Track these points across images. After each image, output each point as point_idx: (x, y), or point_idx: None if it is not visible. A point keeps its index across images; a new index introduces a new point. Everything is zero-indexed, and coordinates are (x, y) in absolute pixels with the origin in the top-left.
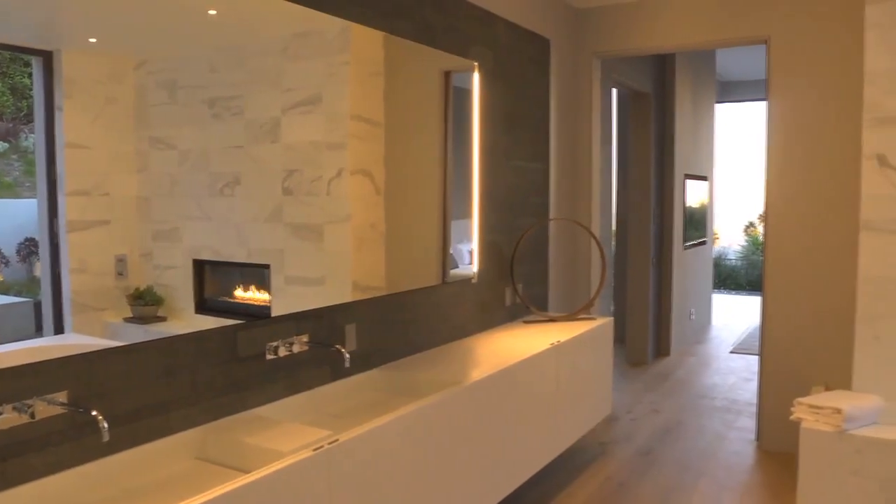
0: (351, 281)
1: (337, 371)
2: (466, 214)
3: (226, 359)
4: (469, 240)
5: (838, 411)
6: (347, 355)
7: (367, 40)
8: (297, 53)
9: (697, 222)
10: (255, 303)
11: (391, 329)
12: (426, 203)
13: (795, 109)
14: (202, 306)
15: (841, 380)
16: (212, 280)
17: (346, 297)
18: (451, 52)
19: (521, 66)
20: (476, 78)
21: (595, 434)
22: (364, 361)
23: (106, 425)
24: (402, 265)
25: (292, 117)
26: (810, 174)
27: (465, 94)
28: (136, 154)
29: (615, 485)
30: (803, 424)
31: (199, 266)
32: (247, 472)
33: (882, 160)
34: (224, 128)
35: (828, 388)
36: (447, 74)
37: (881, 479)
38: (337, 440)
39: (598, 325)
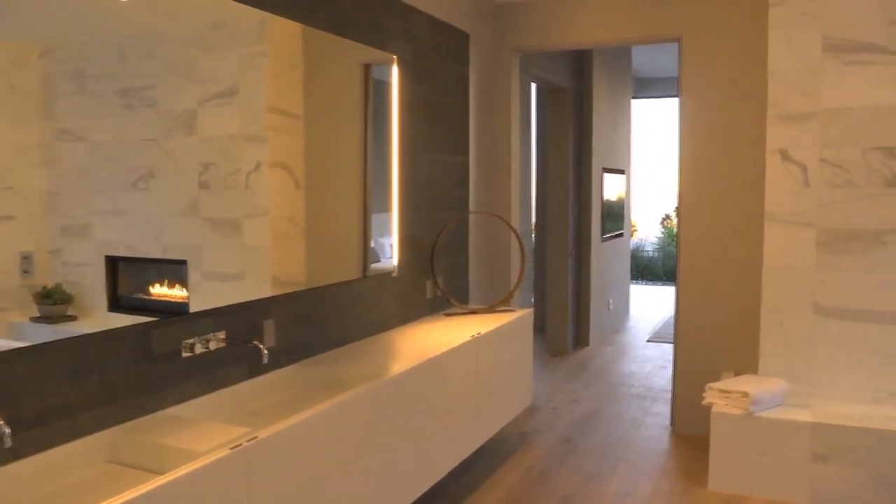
0: (271, 276)
1: (255, 367)
2: (388, 208)
3: (139, 358)
4: (391, 233)
5: (746, 395)
6: (266, 351)
7: (284, 32)
8: (213, 44)
9: (615, 215)
10: (172, 300)
11: (311, 324)
12: (347, 196)
13: (706, 106)
14: (116, 304)
15: (749, 365)
16: (126, 277)
17: (266, 292)
18: (369, 45)
19: (440, 60)
20: (395, 71)
21: (517, 424)
22: (284, 357)
23: (8, 430)
24: (323, 259)
25: (208, 109)
26: (720, 169)
27: (385, 87)
28: (43, 146)
29: (537, 473)
30: (714, 408)
31: (113, 262)
32: (162, 474)
33: (784, 155)
34: (137, 119)
35: (737, 374)
36: (367, 67)
37: (787, 458)
38: (255, 437)
39: (517, 316)
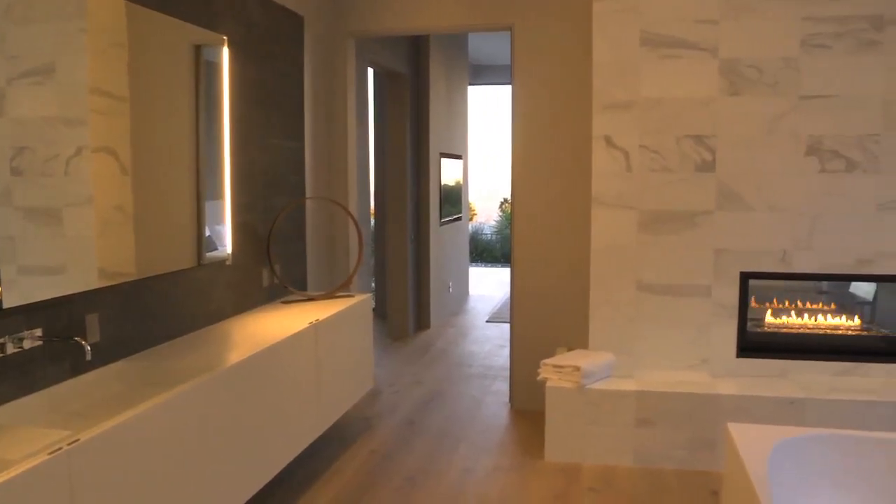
0: (96, 267)
1: (78, 365)
2: (223, 194)
3: None
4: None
5: (577, 369)
6: (88, 347)
7: (106, 7)
8: (25, 16)
9: (454, 199)
10: None
11: (141, 316)
12: (179, 183)
13: (537, 93)
14: None
15: (581, 340)
16: None
17: (90, 284)
18: (198, 25)
19: (274, 43)
20: (226, 53)
21: (359, 409)
22: (111, 353)
23: None
24: (154, 249)
25: (20, 88)
26: (551, 154)
27: (219, 69)
28: None
29: (381, 457)
30: (548, 383)
31: None
32: None
33: (609, 142)
34: None
35: (569, 349)
36: (198, 48)
37: (615, 425)
38: (77, 440)
39: (356, 301)
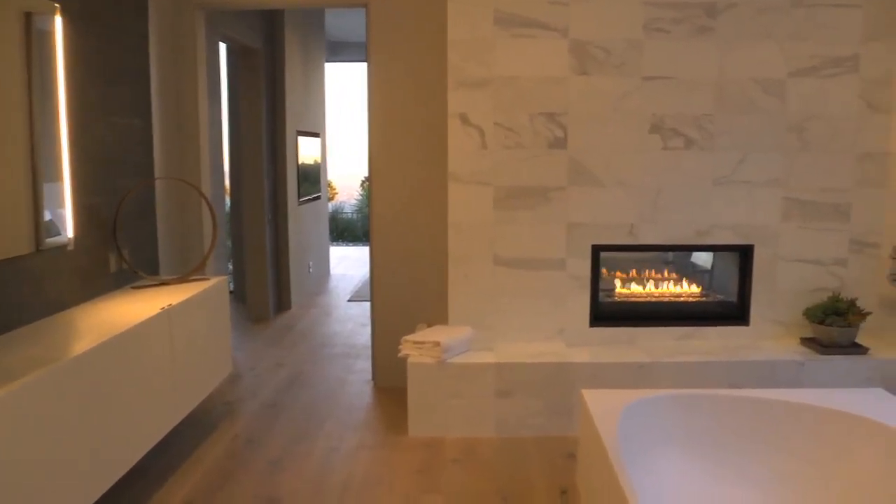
0: None
1: None
2: (62, 176)
3: None
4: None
5: (437, 344)
6: None
7: None
8: None
9: (312, 178)
10: None
11: None
12: (11, 163)
13: (393, 71)
14: None
15: (441, 316)
16: None
17: None
18: None
19: (114, 14)
20: (59, 23)
21: (220, 394)
22: None
23: None
24: None
25: None
26: (408, 132)
27: (53, 40)
28: None
29: (243, 441)
30: (409, 359)
31: None
32: None
33: (464, 119)
34: None
35: (430, 325)
36: (28, 16)
37: (475, 397)
38: None
39: (211, 284)
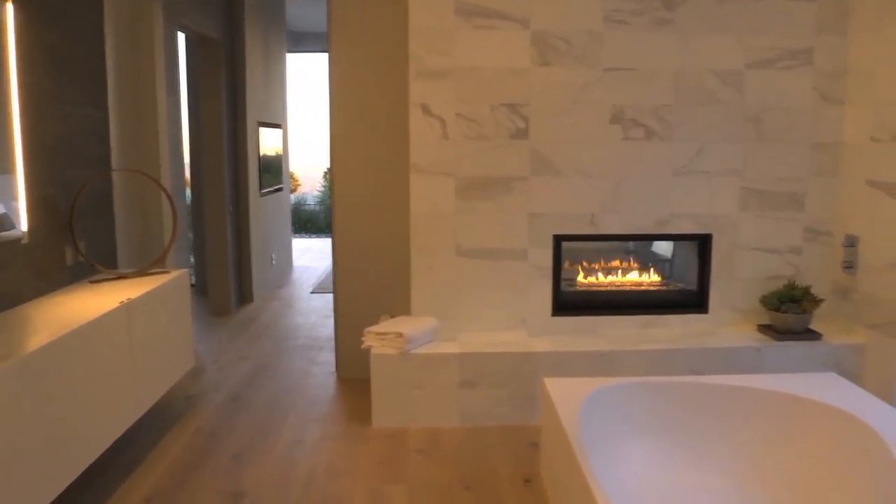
0: None
1: None
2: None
3: None
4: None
5: (400, 335)
6: None
7: None
8: None
9: (274, 169)
10: None
11: None
12: None
13: (355, 61)
14: None
15: (404, 307)
16: None
17: None
18: None
19: (68, 2)
20: (10, 10)
21: (181, 388)
22: None
23: None
24: None
25: None
26: (370, 122)
27: (2, 28)
28: None
29: (206, 435)
30: (373, 350)
31: None
32: None
33: (426, 109)
34: None
35: (393, 316)
36: None
37: (439, 387)
38: None
39: (171, 278)
